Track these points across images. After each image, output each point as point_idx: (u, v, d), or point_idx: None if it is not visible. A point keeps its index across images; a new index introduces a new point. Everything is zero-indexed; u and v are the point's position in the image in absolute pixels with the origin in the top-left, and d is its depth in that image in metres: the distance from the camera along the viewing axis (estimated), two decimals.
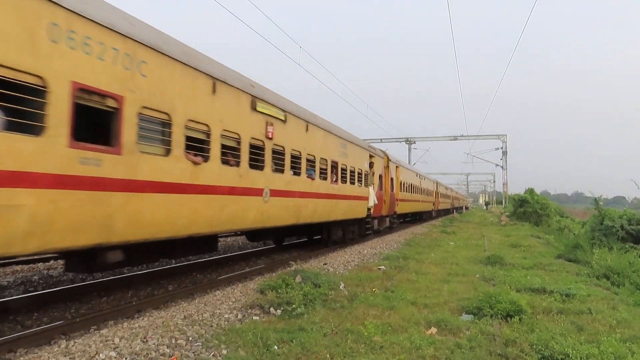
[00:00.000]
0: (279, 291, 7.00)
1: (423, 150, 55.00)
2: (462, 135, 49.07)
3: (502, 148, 48.36)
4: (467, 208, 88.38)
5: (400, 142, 51.87)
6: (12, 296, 7.42)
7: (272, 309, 6.50)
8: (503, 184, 51.17)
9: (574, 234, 21.52)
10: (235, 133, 8.53)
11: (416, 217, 35.45)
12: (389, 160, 22.35)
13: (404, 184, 25.93)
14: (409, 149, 51.59)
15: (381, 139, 49.22)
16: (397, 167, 24.22)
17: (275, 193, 10.07)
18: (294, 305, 6.41)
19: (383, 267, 10.56)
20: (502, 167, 48.90)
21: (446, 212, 56.35)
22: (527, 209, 33.34)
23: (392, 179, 22.59)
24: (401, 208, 25.23)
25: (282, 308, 6.46)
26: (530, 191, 35.37)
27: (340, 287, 7.94)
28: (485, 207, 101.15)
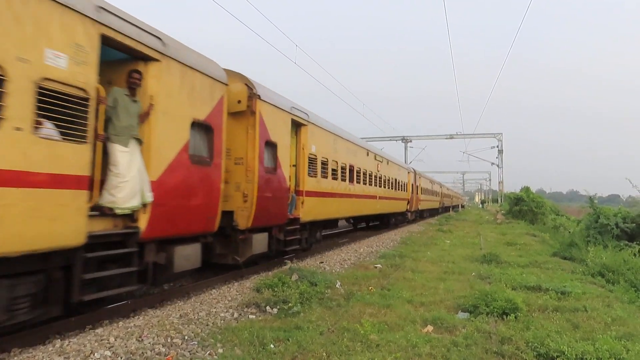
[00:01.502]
0: (276, 290, 6.99)
1: (419, 149, 55.00)
2: (458, 134, 49.14)
3: (497, 147, 48.46)
4: (462, 206, 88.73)
5: (396, 140, 51.91)
6: None
7: (268, 307, 6.49)
8: (499, 183, 51.27)
9: (569, 232, 21.60)
10: None
11: (384, 221, 24.94)
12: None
13: (313, 160, 12.57)
14: (405, 148, 51.66)
15: (378, 138, 49.26)
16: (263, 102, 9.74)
17: None
18: (290, 304, 6.41)
19: (379, 265, 10.58)
20: (497, 166, 48.99)
21: (433, 213, 45.54)
22: (523, 207, 33.44)
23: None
24: (264, 212, 9.67)
25: (278, 306, 6.46)
26: (526, 189, 35.48)
27: (337, 285, 7.94)
28: (481, 205, 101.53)
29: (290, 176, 11.09)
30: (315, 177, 12.70)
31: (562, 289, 7.74)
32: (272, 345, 4.87)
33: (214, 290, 7.87)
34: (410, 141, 52.08)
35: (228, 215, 8.81)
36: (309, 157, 12.22)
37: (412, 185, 30.68)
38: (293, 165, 11.58)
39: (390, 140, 51.80)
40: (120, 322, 5.71)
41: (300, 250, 12.49)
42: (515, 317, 6.09)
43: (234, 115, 9.09)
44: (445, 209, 58.11)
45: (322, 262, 10.92)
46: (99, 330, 5.27)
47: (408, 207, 29.11)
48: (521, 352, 4.84)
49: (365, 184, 18.51)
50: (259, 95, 9.39)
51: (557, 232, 23.51)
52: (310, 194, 12.30)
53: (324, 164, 13.49)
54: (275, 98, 10.43)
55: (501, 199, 51.54)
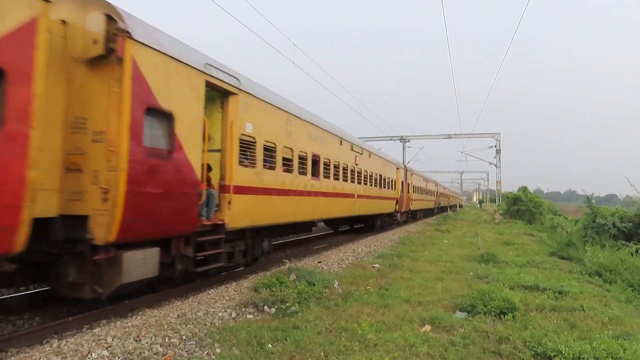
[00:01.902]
0: (273, 289, 6.99)
1: (417, 148, 55.02)
2: (456, 134, 49.19)
3: (495, 146, 48.53)
4: (460, 206, 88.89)
5: (394, 140, 51.96)
6: (3, 295, 7.35)
7: (266, 307, 6.49)
8: (497, 182, 51.33)
9: (567, 231, 21.63)
10: None
11: (369, 223, 22.23)
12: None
13: None
14: (403, 147, 51.70)
15: (376, 138, 49.29)
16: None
17: None
18: (288, 304, 6.41)
19: (377, 265, 10.58)
20: (495, 166, 49.07)
21: (427, 214, 42.79)
22: (521, 207, 33.52)
23: None
24: (145, 216, 6.67)
25: (276, 306, 6.46)
26: (524, 189, 35.55)
27: (335, 285, 7.94)
28: (479, 205, 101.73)
29: (204, 164, 7.96)
30: (254, 167, 9.48)
31: (559, 288, 7.75)
32: (269, 345, 4.87)
33: (211, 290, 7.85)
34: (409, 141, 52.11)
35: (81, 222, 5.97)
36: (242, 140, 9.04)
37: (403, 182, 27.70)
38: (215, 150, 8.68)
39: (389, 140, 51.87)
40: (118, 322, 5.69)
41: (232, 268, 9.55)
42: (513, 317, 6.10)
43: (91, 64, 6.08)
44: (442, 209, 55.94)
45: (320, 262, 10.91)
46: (97, 330, 5.27)
47: (397, 207, 25.99)
48: (519, 352, 4.85)
49: (337, 179, 15.06)
50: (128, 33, 6.08)
51: (554, 231, 23.54)
52: (244, 190, 9.07)
53: (270, 150, 10.28)
54: (172, 45, 7.16)
55: (499, 199, 51.65)
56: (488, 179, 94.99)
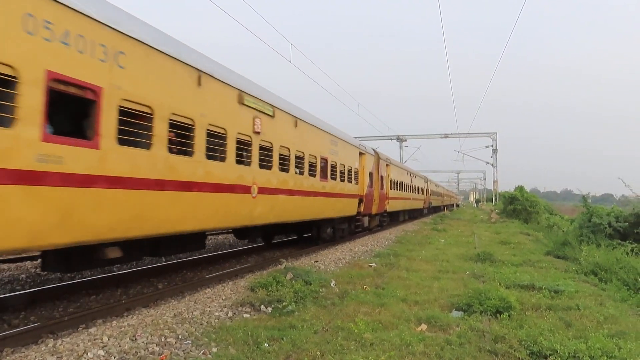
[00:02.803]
0: (270, 289, 6.99)
1: (414, 148, 55.19)
2: (452, 133, 49.33)
3: (492, 146, 48.70)
4: (457, 206, 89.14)
5: (391, 139, 52.05)
6: None
7: (262, 306, 6.49)
8: (493, 182, 51.56)
9: (563, 231, 21.71)
10: None
11: (314, 232, 15.08)
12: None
13: None
14: (400, 147, 51.79)
15: (373, 137, 49.35)
16: None
17: None
18: (284, 303, 6.41)
19: (374, 264, 10.59)
20: (492, 165, 49.26)
21: (414, 215, 36.73)
22: (517, 207, 33.64)
23: None
24: None
25: (272, 306, 6.46)
26: (520, 189, 35.67)
27: (331, 284, 7.94)
28: (475, 204, 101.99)
29: None
30: None
31: (555, 287, 7.78)
32: (266, 344, 4.87)
33: (208, 290, 7.85)
34: (405, 140, 52.25)
35: None
36: None
37: (372, 174, 20.03)
38: None
39: (386, 139, 52.00)
40: (114, 322, 5.68)
41: None
42: (509, 316, 6.12)
43: None
44: (434, 210, 50.34)
45: (316, 261, 10.92)
46: (93, 330, 5.25)
47: (362, 208, 18.35)
48: (514, 351, 4.86)
49: (188, 154, 7.56)
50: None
51: (550, 231, 23.62)
52: None
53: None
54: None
55: (495, 198, 51.82)
56: (485, 179, 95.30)
